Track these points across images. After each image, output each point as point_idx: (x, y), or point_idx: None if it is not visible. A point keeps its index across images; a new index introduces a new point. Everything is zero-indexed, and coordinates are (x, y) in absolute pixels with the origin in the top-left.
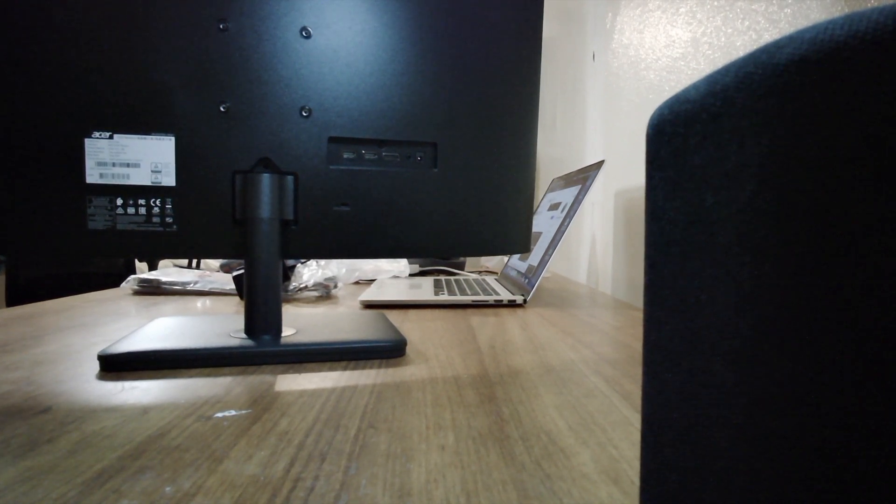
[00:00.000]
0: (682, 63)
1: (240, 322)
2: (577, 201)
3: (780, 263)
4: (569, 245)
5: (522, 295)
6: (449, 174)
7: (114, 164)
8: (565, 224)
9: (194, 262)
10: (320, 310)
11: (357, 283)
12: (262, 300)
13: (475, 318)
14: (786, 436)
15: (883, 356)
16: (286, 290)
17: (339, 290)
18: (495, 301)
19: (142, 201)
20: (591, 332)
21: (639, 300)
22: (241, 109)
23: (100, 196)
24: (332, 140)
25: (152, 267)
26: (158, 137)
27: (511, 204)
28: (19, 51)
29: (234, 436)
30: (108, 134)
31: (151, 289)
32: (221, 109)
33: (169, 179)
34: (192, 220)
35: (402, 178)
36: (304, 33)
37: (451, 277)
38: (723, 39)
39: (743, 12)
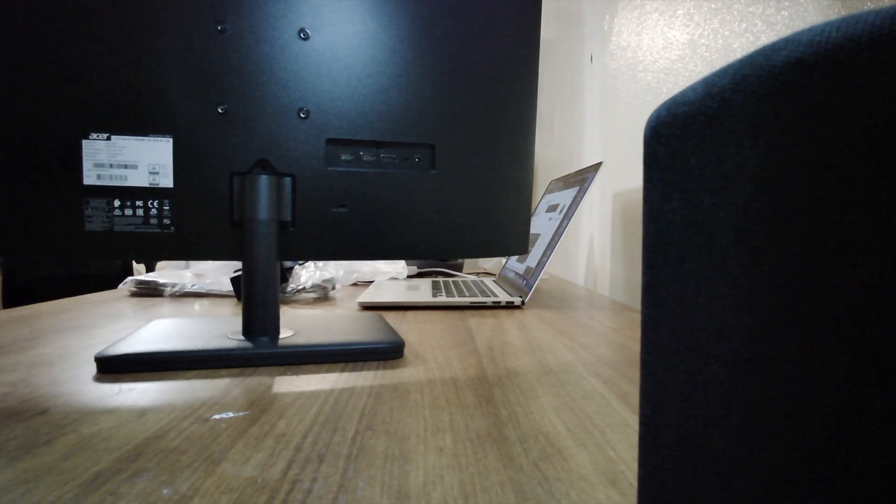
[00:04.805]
0: (680, 65)
1: (237, 324)
2: (575, 203)
3: (777, 265)
4: (567, 246)
5: (520, 296)
6: (447, 175)
7: (111, 166)
8: (563, 225)
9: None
10: (318, 311)
11: (355, 284)
12: (259, 302)
13: (473, 320)
14: (784, 437)
15: (881, 357)
16: (284, 292)
17: (336, 292)
18: (493, 303)
19: (139, 203)
20: (589, 333)
21: (637, 302)
22: (239, 111)
23: (97, 197)
24: (330, 142)
25: (150, 269)
26: (156, 139)
27: (509, 205)
28: (17, 51)
29: (232, 438)
30: (105, 135)
31: (149, 290)
32: (219, 111)
33: (167, 181)
34: (190, 222)
35: (400, 180)
36: (302, 35)
37: (449, 279)
38: (720, 42)
39: (740, 15)
